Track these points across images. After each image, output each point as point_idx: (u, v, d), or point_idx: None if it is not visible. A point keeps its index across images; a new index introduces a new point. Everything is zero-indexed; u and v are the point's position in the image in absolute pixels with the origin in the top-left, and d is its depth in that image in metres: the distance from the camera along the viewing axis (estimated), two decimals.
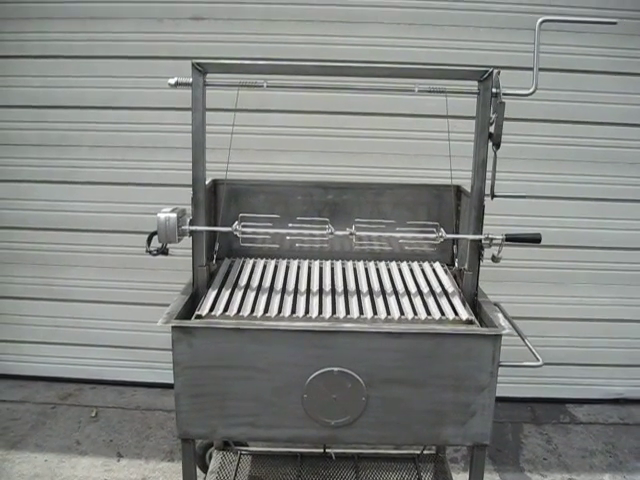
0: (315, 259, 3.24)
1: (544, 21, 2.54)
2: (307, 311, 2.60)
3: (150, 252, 2.66)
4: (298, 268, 3.12)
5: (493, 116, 2.58)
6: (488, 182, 2.68)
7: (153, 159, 4.47)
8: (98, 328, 4.81)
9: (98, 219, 4.59)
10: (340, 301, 2.71)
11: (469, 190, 2.77)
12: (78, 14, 4.31)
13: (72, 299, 4.77)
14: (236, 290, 2.80)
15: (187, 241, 2.69)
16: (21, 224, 4.66)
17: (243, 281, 2.91)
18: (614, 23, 2.63)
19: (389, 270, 3.14)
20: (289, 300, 2.70)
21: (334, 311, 2.61)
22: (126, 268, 4.65)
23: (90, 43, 4.35)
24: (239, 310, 2.58)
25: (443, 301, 2.74)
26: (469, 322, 2.55)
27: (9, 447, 4.06)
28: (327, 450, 3.64)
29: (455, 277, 3.04)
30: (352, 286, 2.89)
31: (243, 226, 2.73)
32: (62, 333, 4.85)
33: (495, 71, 2.56)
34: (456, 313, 2.61)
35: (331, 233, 2.69)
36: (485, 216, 2.71)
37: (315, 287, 2.86)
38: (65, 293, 4.76)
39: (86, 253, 4.66)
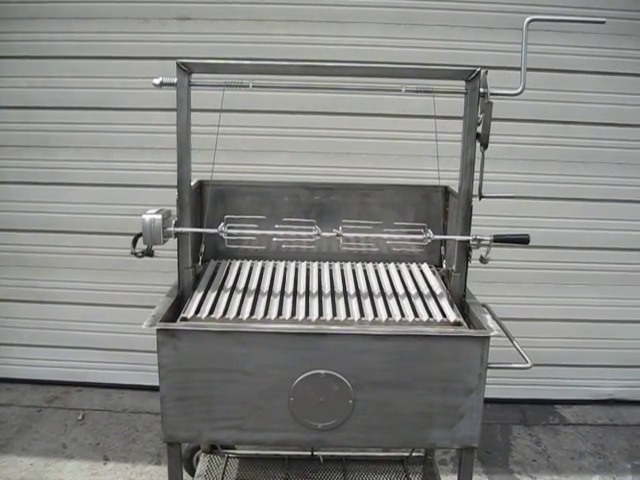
0: (302, 261, 3.21)
1: (532, 20, 2.52)
2: (294, 313, 2.58)
3: (135, 254, 2.63)
4: (285, 270, 3.09)
5: (481, 116, 2.56)
6: (476, 182, 2.67)
7: (139, 160, 4.45)
8: (84, 330, 4.78)
9: (83, 220, 4.56)
10: (327, 303, 2.69)
11: (457, 191, 2.75)
12: (64, 14, 4.28)
13: (58, 301, 4.74)
14: (222, 292, 2.78)
15: (173, 243, 2.66)
16: (6, 226, 4.63)
17: (229, 283, 2.88)
18: (602, 22, 2.62)
19: (376, 272, 3.12)
20: (275, 302, 2.68)
21: (321, 313, 2.58)
22: (112, 270, 4.63)
23: (76, 43, 4.32)
24: (225, 312, 2.55)
25: (431, 303, 2.72)
26: (457, 324, 2.53)
27: None
28: (315, 453, 3.63)
29: (443, 278, 3.02)
30: (339, 288, 2.87)
31: (229, 227, 2.70)
32: (48, 335, 4.82)
33: (483, 71, 2.54)
34: (444, 315, 2.59)
35: (318, 234, 2.67)
36: (473, 217, 2.69)
37: (302, 289, 2.84)
38: (50, 295, 4.73)
39: (71, 255, 4.64)
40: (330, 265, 3.19)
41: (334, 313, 2.59)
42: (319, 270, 3.12)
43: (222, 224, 2.70)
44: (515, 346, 2.63)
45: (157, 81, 2.59)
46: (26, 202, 4.57)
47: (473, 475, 2.61)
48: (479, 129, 2.59)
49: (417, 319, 2.55)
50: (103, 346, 4.81)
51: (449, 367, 2.39)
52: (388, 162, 4.41)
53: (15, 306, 4.79)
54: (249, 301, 2.68)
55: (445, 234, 3.12)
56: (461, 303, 2.75)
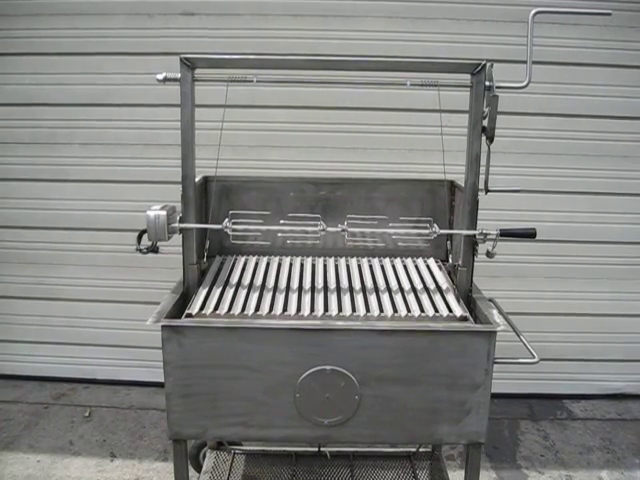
0: (307, 256, 3.20)
1: (537, 12, 2.51)
2: (299, 309, 2.58)
3: (140, 250, 2.62)
4: (290, 265, 3.08)
5: (486, 110, 2.55)
6: (482, 177, 2.66)
7: (144, 156, 4.44)
8: (91, 327, 4.78)
9: (89, 217, 4.56)
10: (332, 298, 2.68)
11: (463, 185, 2.74)
12: (68, 10, 4.27)
13: (64, 298, 4.74)
14: (227, 288, 2.77)
15: (178, 239, 2.66)
16: (12, 223, 4.63)
17: (234, 279, 2.88)
18: (608, 14, 2.60)
19: (382, 267, 3.11)
20: (281, 298, 2.67)
21: (326, 309, 2.58)
22: (118, 266, 4.63)
23: (80, 40, 4.31)
24: (230, 308, 2.55)
25: (437, 298, 2.71)
26: (463, 319, 2.52)
27: (2, 448, 4.04)
28: (322, 449, 3.62)
29: (449, 273, 3.01)
30: (345, 283, 2.86)
31: (234, 223, 2.70)
32: (55, 332, 4.82)
33: (488, 64, 2.53)
34: (450, 310, 2.58)
35: (323, 229, 2.67)
36: (479, 211, 2.68)
37: (307, 284, 2.83)
38: (57, 292, 4.73)
39: (77, 251, 4.64)
40: (336, 260, 3.18)
41: (340, 309, 2.59)
42: (324, 265, 3.11)
43: (227, 220, 2.70)
44: (522, 341, 2.62)
45: (161, 77, 2.58)
46: (31, 199, 4.57)
47: (480, 470, 2.61)
48: (485, 123, 2.58)
49: (423, 314, 2.54)
50: (110, 343, 4.82)
51: (456, 362, 2.38)
52: (394, 156, 4.39)
53: (21, 303, 4.79)
54: (254, 297, 2.68)
55: (451, 229, 3.11)
56: (467, 298, 2.74)
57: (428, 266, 3.13)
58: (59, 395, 4.75)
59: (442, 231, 2.72)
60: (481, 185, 2.67)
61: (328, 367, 2.36)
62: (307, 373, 2.37)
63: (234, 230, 2.70)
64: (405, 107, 4.32)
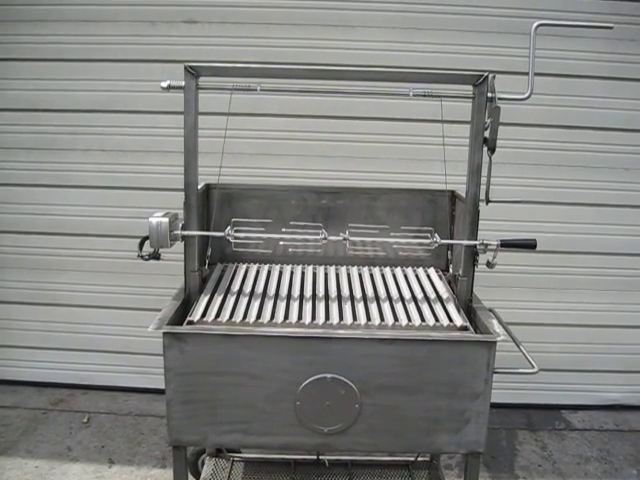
0: (309, 264, 3.21)
1: (540, 25, 2.52)
2: (300, 317, 2.58)
3: (142, 257, 2.63)
4: (291, 273, 3.09)
5: (488, 121, 2.56)
6: (483, 187, 2.67)
7: (146, 163, 4.45)
8: (90, 333, 4.78)
9: (90, 223, 4.57)
10: (334, 307, 2.69)
11: (464, 195, 2.75)
12: (71, 17, 4.28)
13: (63, 304, 4.74)
14: (228, 296, 2.77)
15: (180, 246, 2.66)
16: (13, 228, 4.63)
17: (236, 286, 2.88)
18: (610, 27, 2.62)
19: (383, 276, 3.12)
20: (282, 306, 2.67)
21: (327, 317, 2.58)
22: (118, 273, 4.63)
23: (83, 46, 4.32)
24: (231, 316, 2.55)
25: (437, 307, 2.72)
26: (463, 328, 2.53)
27: (0, 453, 4.03)
28: (320, 457, 3.61)
29: (450, 283, 3.02)
30: (346, 292, 2.86)
31: (236, 231, 2.70)
32: (54, 338, 4.82)
33: (490, 75, 2.54)
34: (450, 319, 2.59)
35: (325, 238, 2.67)
36: (480, 221, 2.69)
37: (308, 293, 2.83)
38: (57, 297, 4.73)
39: (78, 257, 4.63)
40: (336, 269, 3.19)
41: (340, 317, 2.59)
42: (325, 274, 3.12)
43: (229, 227, 2.70)
44: (522, 351, 2.63)
45: (165, 84, 2.59)
46: (33, 204, 4.57)
47: None
48: (486, 134, 2.59)
49: (424, 323, 2.55)
50: (109, 349, 4.81)
51: (455, 372, 2.38)
52: (395, 166, 4.40)
53: (21, 308, 4.78)
54: (255, 305, 2.68)
55: (452, 239, 3.12)
56: (468, 308, 2.74)
57: (428, 275, 3.14)
58: (58, 401, 4.75)
59: (443, 241, 2.73)
60: (482, 195, 2.68)
61: (329, 375, 2.37)
62: (308, 381, 2.37)
63: (236, 238, 2.71)
64: (406, 117, 4.33)
